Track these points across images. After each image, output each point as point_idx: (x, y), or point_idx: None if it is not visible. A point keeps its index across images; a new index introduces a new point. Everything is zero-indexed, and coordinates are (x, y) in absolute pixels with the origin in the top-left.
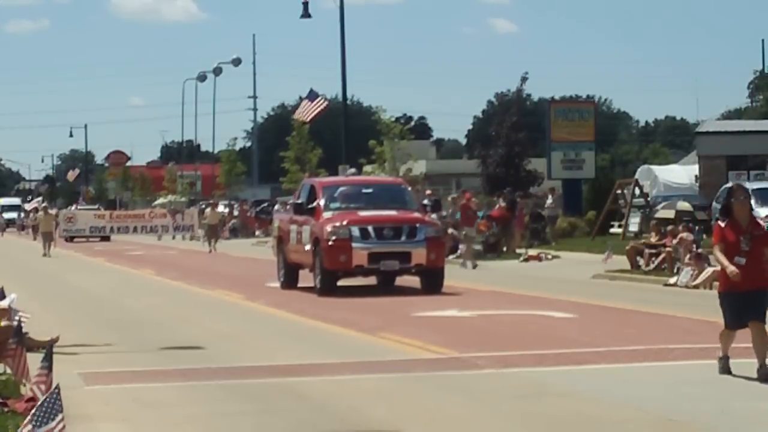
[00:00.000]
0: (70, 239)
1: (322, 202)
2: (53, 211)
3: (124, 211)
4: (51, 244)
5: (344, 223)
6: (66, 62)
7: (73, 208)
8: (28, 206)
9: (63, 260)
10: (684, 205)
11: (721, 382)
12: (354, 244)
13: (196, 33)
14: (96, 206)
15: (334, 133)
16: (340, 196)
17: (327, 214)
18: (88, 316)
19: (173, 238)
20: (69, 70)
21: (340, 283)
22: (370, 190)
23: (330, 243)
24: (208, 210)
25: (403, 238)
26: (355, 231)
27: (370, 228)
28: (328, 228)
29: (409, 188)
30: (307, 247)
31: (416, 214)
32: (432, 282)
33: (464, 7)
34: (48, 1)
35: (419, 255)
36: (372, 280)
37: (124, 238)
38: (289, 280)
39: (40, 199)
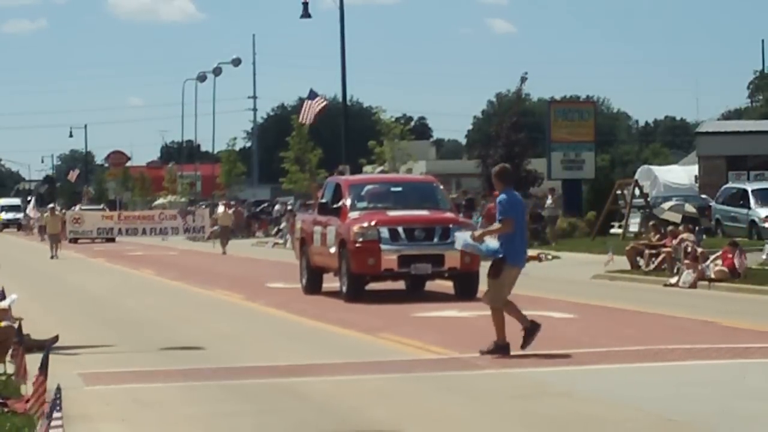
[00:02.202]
0: (75, 240)
1: (348, 201)
2: (60, 212)
3: (132, 211)
4: (58, 245)
5: (372, 223)
6: (65, 62)
7: (77, 208)
8: (31, 212)
9: (63, 261)
10: (690, 210)
11: (721, 382)
12: (383, 246)
13: (195, 33)
14: (101, 206)
15: (334, 133)
16: (367, 195)
17: (353, 214)
18: (88, 317)
19: (196, 239)
20: (68, 70)
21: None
22: (399, 189)
23: (357, 245)
24: (220, 211)
25: (436, 239)
26: (384, 232)
27: (400, 229)
28: (355, 229)
29: (441, 187)
30: (332, 250)
31: (449, 214)
32: (466, 287)
33: (463, 8)
34: (45, 1)
35: (453, 258)
36: (400, 285)
37: (132, 239)
38: (313, 285)
39: (33, 199)
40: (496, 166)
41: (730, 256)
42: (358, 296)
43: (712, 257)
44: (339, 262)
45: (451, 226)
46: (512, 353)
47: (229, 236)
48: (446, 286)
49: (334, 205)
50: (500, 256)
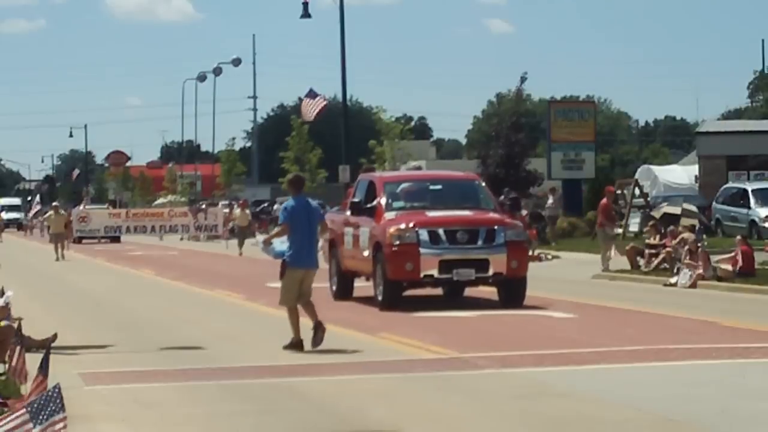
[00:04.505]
0: (79, 240)
1: (383, 200)
2: (65, 211)
3: (141, 209)
4: (64, 246)
5: (410, 225)
6: (65, 62)
7: (82, 207)
8: (31, 212)
9: (64, 261)
10: (689, 206)
11: (721, 382)
12: (422, 250)
13: (194, 33)
14: (105, 205)
15: (334, 133)
16: (404, 193)
17: (389, 215)
18: (88, 317)
19: (195, 239)
20: (68, 70)
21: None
22: (438, 187)
23: (394, 248)
24: (237, 210)
25: (480, 242)
26: (424, 234)
27: (440, 231)
28: (392, 231)
29: (484, 184)
30: (366, 253)
31: (494, 215)
32: (513, 293)
33: (463, 8)
34: (43, 1)
35: (499, 262)
36: (438, 291)
37: (136, 238)
38: (343, 290)
39: (38, 199)
40: (289, 174)
41: (732, 254)
42: (395, 304)
43: (730, 255)
44: (373, 267)
45: (496, 227)
46: (509, 353)
47: (247, 236)
48: (489, 292)
49: (368, 205)
50: (285, 258)
